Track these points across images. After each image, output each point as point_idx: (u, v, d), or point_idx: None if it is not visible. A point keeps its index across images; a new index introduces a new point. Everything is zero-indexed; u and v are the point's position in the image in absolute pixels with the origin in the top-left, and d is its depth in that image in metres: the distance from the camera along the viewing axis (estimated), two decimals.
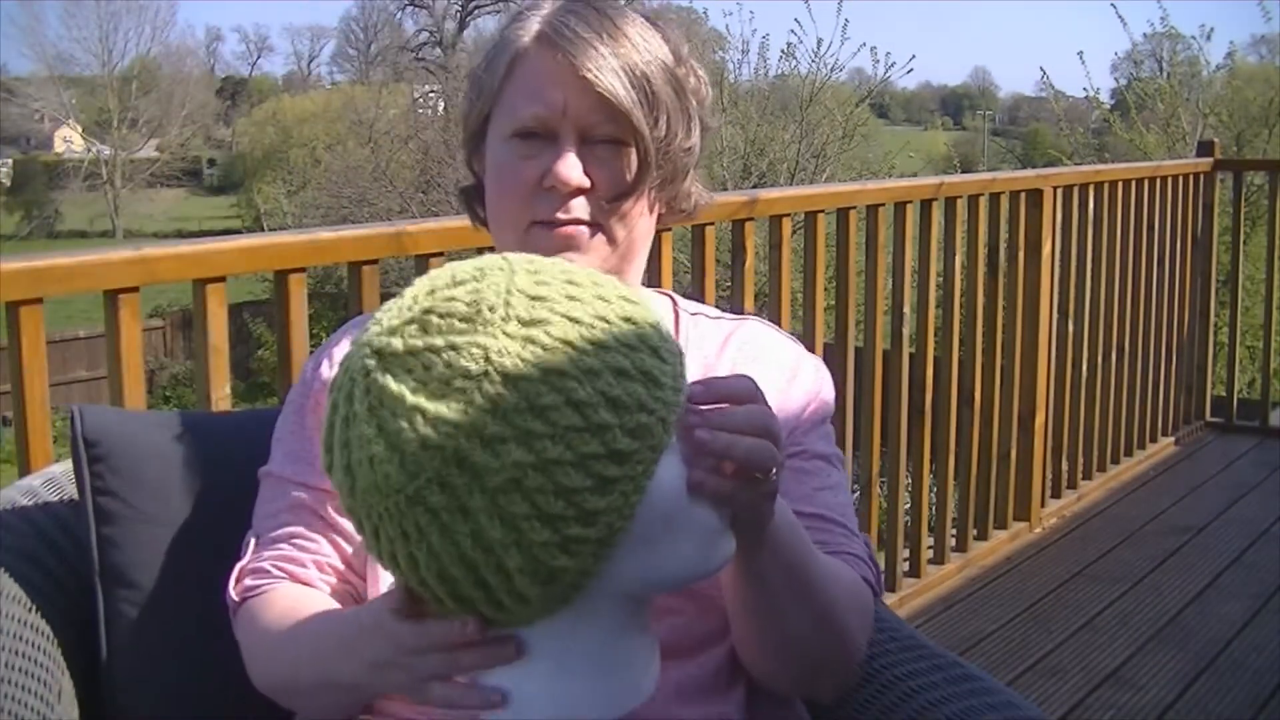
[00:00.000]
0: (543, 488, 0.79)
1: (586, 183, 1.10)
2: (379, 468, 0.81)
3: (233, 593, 1.14)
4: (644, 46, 1.11)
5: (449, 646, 0.88)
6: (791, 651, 1.07)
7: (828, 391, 1.25)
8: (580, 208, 1.10)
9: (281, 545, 1.14)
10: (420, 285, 0.87)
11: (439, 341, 0.82)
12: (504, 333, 0.81)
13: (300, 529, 1.15)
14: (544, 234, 1.11)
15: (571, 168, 1.09)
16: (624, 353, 0.84)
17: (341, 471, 0.84)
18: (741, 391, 0.90)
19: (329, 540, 1.15)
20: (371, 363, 0.83)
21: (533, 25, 1.12)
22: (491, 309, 0.83)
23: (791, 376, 1.21)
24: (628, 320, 0.86)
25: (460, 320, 0.82)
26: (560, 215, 1.10)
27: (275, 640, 1.08)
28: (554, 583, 0.82)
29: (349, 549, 1.15)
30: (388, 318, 0.85)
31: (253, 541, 1.16)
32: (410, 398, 0.80)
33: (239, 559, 1.16)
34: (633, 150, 1.10)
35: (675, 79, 1.12)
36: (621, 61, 1.09)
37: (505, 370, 0.80)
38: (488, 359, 0.80)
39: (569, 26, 1.10)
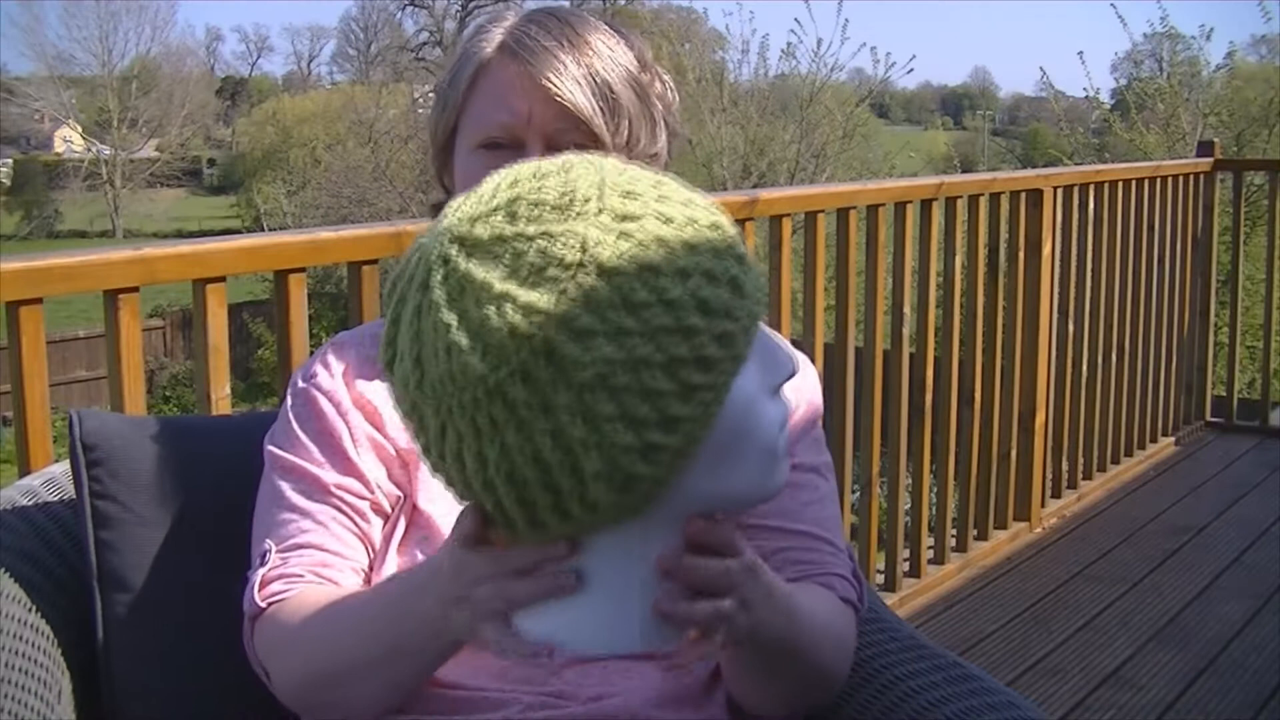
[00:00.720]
0: (630, 388, 0.77)
1: None
2: (457, 358, 0.77)
3: (258, 599, 1.08)
4: (607, 54, 1.11)
5: (514, 573, 0.85)
6: (775, 701, 1.08)
7: (816, 394, 1.24)
8: None
9: (308, 551, 1.10)
10: (498, 178, 0.84)
11: (530, 229, 0.79)
12: (598, 225, 0.79)
13: (327, 536, 1.11)
14: None
15: None
16: (713, 257, 0.82)
17: (409, 364, 0.80)
18: (730, 547, 0.88)
19: (361, 546, 1.12)
20: (453, 250, 0.79)
21: (495, 36, 1.12)
22: (585, 200, 0.80)
23: None
24: (715, 226, 0.84)
25: (551, 209, 0.79)
26: None
27: (317, 629, 1.04)
28: (628, 491, 0.79)
29: (373, 551, 1.13)
30: (466, 207, 0.82)
31: (271, 548, 1.11)
32: (499, 285, 0.77)
33: (253, 568, 1.11)
34: None
35: (639, 85, 1.13)
36: (583, 70, 1.09)
37: (601, 262, 0.77)
38: (584, 249, 0.78)
39: (530, 36, 1.10)
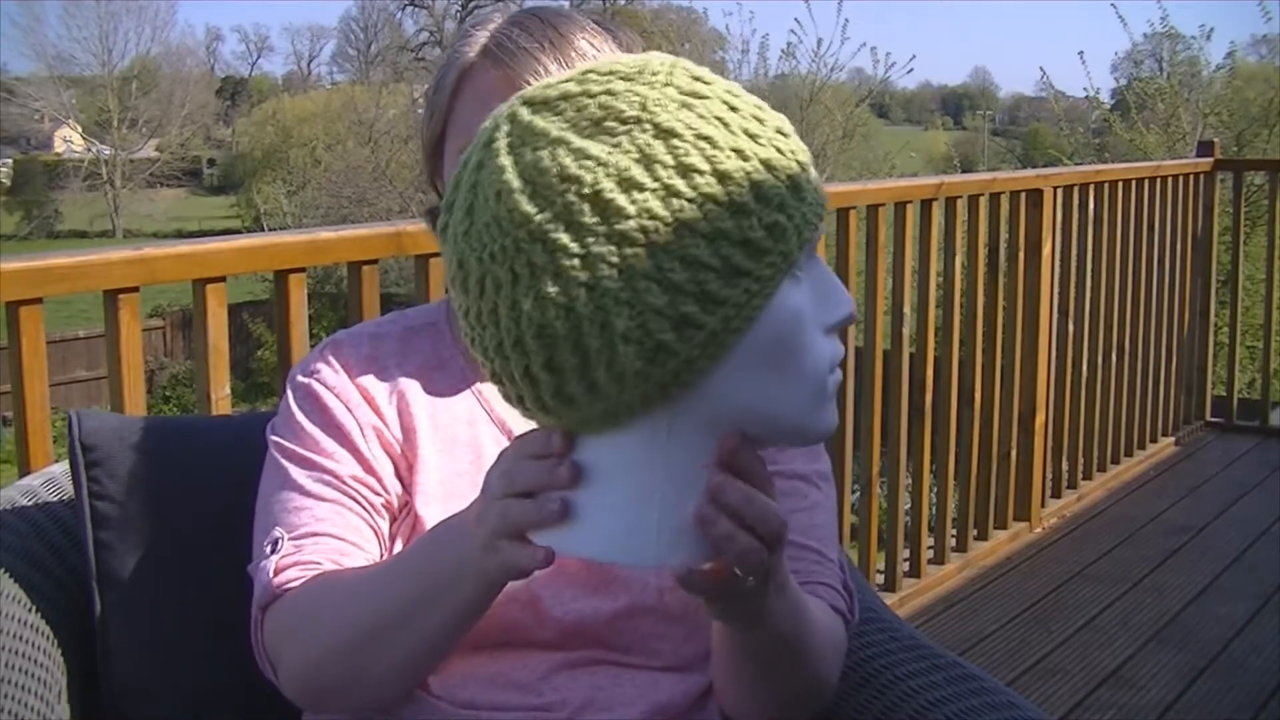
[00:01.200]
0: (669, 249, 0.77)
1: None
2: (505, 200, 0.79)
3: (273, 586, 1.05)
4: (590, 54, 1.11)
5: (518, 494, 0.85)
6: (769, 708, 1.06)
7: None
8: None
9: (324, 539, 1.08)
10: (577, 65, 0.89)
11: (594, 88, 0.81)
12: (663, 92, 0.81)
13: (343, 525, 1.09)
14: None
15: None
16: (774, 153, 0.82)
17: (460, 215, 0.82)
18: (767, 484, 0.86)
19: (376, 539, 1.10)
20: (520, 107, 0.83)
21: (478, 41, 1.12)
22: (654, 72, 0.82)
23: None
24: (781, 132, 0.84)
25: (621, 77, 0.82)
26: None
27: (338, 599, 1.02)
28: (656, 362, 0.78)
29: (385, 548, 1.12)
30: (542, 82, 0.85)
31: (284, 536, 1.08)
32: (556, 131, 0.80)
33: (262, 557, 1.09)
34: None
35: None
36: (562, 70, 1.09)
37: (658, 122, 0.79)
38: (644, 107, 0.79)
39: (511, 39, 1.10)
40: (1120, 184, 4.24)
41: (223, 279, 1.89)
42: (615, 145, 0.78)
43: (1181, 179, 4.70)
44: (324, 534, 1.08)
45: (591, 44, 1.12)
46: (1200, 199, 4.86)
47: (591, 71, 0.83)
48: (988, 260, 3.58)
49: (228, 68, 60.36)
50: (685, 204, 0.77)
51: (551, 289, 0.77)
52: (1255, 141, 10.35)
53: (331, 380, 1.14)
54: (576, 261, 0.77)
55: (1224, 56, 11.58)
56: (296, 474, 1.11)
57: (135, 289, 1.77)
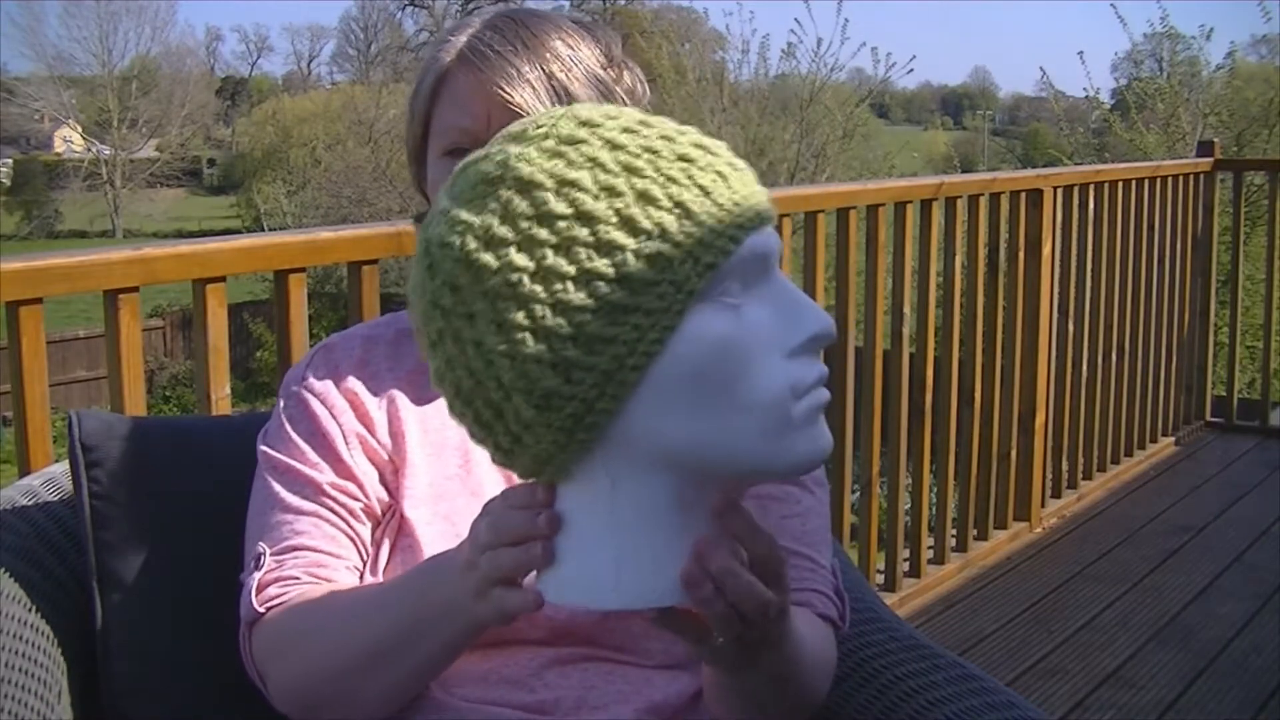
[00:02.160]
0: (538, 297, 0.79)
1: None
2: (415, 275, 0.85)
3: (255, 604, 1.07)
4: (566, 55, 1.11)
5: (505, 542, 0.87)
6: (751, 714, 1.06)
7: None
8: None
9: (303, 553, 1.09)
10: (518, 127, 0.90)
11: (479, 152, 0.86)
12: (537, 147, 0.83)
13: (321, 537, 1.10)
14: None
15: None
16: (660, 182, 0.81)
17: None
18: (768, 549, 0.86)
19: (355, 545, 1.11)
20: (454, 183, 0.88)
21: (454, 45, 1.12)
22: (538, 127, 0.85)
23: None
24: (684, 159, 0.83)
25: (507, 138, 0.86)
26: None
27: (323, 625, 1.03)
28: (549, 409, 0.80)
29: (367, 554, 1.12)
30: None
31: (265, 551, 1.09)
32: (443, 201, 0.85)
33: (247, 571, 1.10)
34: None
35: (601, 83, 1.12)
36: (538, 73, 1.09)
37: (519, 176, 0.82)
38: (505, 165, 0.83)
39: (484, 43, 1.10)
40: (1120, 184, 4.24)
41: (223, 279, 1.89)
42: (482, 207, 0.82)
43: (1181, 179, 4.70)
44: (303, 547, 1.10)
45: (567, 44, 1.11)
46: (1200, 199, 4.85)
47: (523, 134, 0.86)
48: (988, 260, 3.58)
49: (228, 68, 60.38)
50: (549, 252, 0.79)
51: (451, 350, 0.83)
52: (1255, 141, 10.35)
53: (319, 387, 1.15)
54: (464, 322, 0.81)
55: (1224, 56, 11.58)
56: (278, 486, 1.13)
57: (135, 289, 1.77)
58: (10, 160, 40.54)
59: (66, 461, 1.28)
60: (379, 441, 1.14)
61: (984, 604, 3.33)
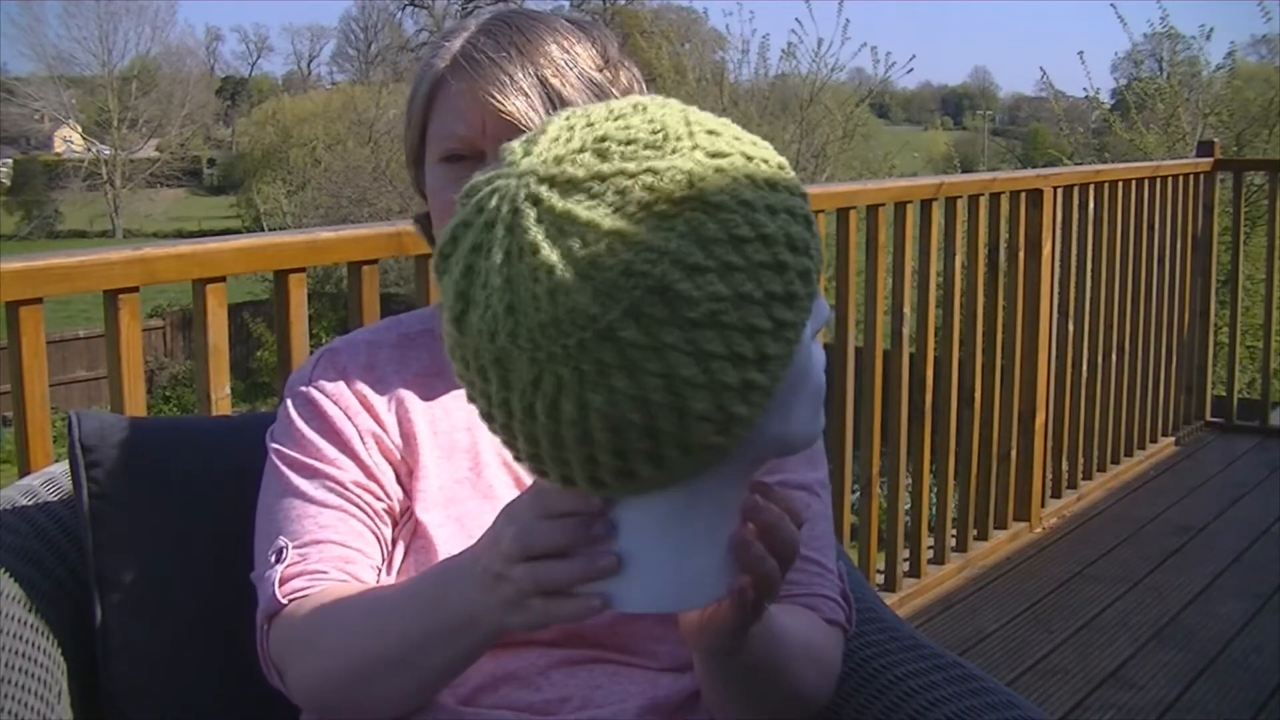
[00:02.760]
0: (736, 325, 0.75)
1: None
2: (564, 300, 0.74)
3: (279, 595, 1.05)
4: (560, 59, 1.10)
5: (550, 553, 0.84)
6: (748, 713, 1.06)
7: None
8: None
9: (329, 547, 1.08)
10: (561, 121, 0.81)
11: (630, 166, 0.76)
12: (695, 161, 0.77)
13: (347, 532, 1.09)
14: None
15: None
16: (790, 194, 0.81)
17: (498, 312, 0.76)
18: (797, 515, 0.88)
19: (378, 545, 1.11)
20: (544, 190, 0.76)
21: (449, 51, 1.12)
22: (678, 136, 0.79)
23: None
24: (782, 166, 0.83)
25: (646, 147, 0.77)
26: None
27: (344, 624, 1.02)
28: (728, 433, 0.77)
29: (386, 554, 1.12)
30: (544, 150, 0.78)
31: (288, 545, 1.08)
32: (607, 222, 0.74)
33: (266, 566, 1.08)
34: None
35: (597, 86, 1.11)
36: (531, 80, 1.08)
37: (707, 198, 0.76)
38: (691, 184, 0.76)
39: (479, 49, 1.10)
40: (1120, 184, 4.24)
41: (223, 279, 1.89)
42: (670, 230, 0.75)
43: (1181, 179, 4.70)
44: (328, 541, 1.08)
45: (562, 46, 1.11)
46: (1200, 199, 4.86)
47: (607, 139, 0.78)
48: (988, 260, 3.58)
49: (228, 68, 60.43)
50: (743, 277, 0.76)
51: (623, 383, 0.75)
52: (1255, 141, 10.35)
53: (330, 388, 1.14)
54: (649, 354, 0.74)
55: (1224, 56, 11.58)
56: (298, 481, 1.11)
57: (135, 289, 1.77)
58: (10, 160, 40.55)
59: (66, 461, 1.28)
60: (393, 442, 1.13)
61: (984, 604, 3.33)
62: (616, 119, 0.79)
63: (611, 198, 0.75)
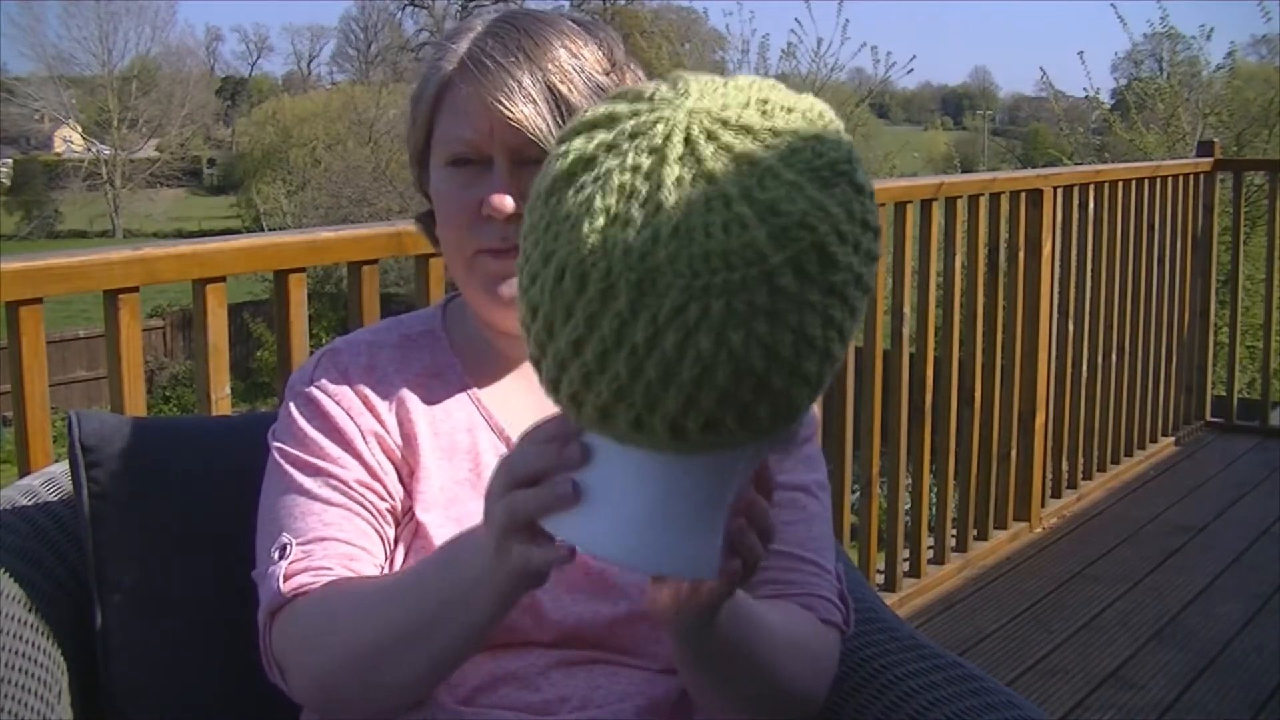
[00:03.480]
0: (850, 301, 0.77)
1: (518, 209, 1.08)
2: (738, 234, 0.74)
3: (282, 590, 1.04)
4: (569, 64, 1.10)
5: (521, 483, 0.84)
6: (735, 709, 1.06)
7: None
8: (519, 234, 1.09)
9: (333, 544, 1.08)
10: (710, 81, 0.81)
11: (799, 126, 0.79)
12: (847, 139, 0.80)
13: (351, 530, 1.09)
14: (489, 261, 1.10)
15: (502, 199, 1.08)
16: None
17: (665, 234, 0.74)
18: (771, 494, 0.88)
19: (382, 545, 1.11)
20: (720, 129, 0.77)
21: (456, 53, 1.11)
22: (822, 114, 0.81)
23: None
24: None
25: (804, 118, 0.80)
26: (499, 244, 1.09)
27: (351, 611, 1.02)
28: (811, 400, 0.78)
29: (388, 553, 1.12)
30: (705, 97, 0.79)
31: (291, 542, 1.07)
32: (788, 173, 0.76)
33: (269, 563, 1.08)
34: None
35: (604, 91, 1.11)
36: (538, 85, 1.08)
37: (855, 177, 0.78)
38: (849, 160, 0.79)
39: (485, 52, 1.09)
40: (1120, 184, 4.24)
41: (223, 279, 1.89)
42: (832, 197, 0.76)
43: (1181, 179, 4.71)
44: (333, 538, 1.08)
45: (569, 50, 1.10)
46: (1200, 199, 4.86)
47: (770, 102, 0.79)
48: (988, 260, 3.58)
49: (228, 68, 60.43)
50: (861, 260, 0.78)
51: (763, 329, 0.74)
52: (1255, 141, 10.35)
53: (332, 388, 1.14)
54: (794, 307, 0.75)
55: (1224, 56, 11.58)
56: (301, 479, 1.10)
57: (135, 289, 1.77)
58: (10, 160, 40.56)
59: (66, 461, 1.28)
60: (394, 442, 1.13)
61: (984, 604, 3.33)
62: (771, 88, 0.81)
63: (785, 151, 0.77)
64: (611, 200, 0.76)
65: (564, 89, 1.09)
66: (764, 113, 0.78)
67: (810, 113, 0.81)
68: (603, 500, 0.81)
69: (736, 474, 0.82)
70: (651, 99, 0.80)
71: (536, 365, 0.81)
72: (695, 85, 0.80)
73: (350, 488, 1.10)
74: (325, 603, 1.03)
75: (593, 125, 0.80)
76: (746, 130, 0.77)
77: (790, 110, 0.79)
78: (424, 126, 1.14)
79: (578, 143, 0.79)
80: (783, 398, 0.76)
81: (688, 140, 0.76)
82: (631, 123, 0.78)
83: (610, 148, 0.78)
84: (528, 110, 1.07)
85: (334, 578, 1.05)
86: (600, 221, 0.75)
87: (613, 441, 0.80)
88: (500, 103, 1.07)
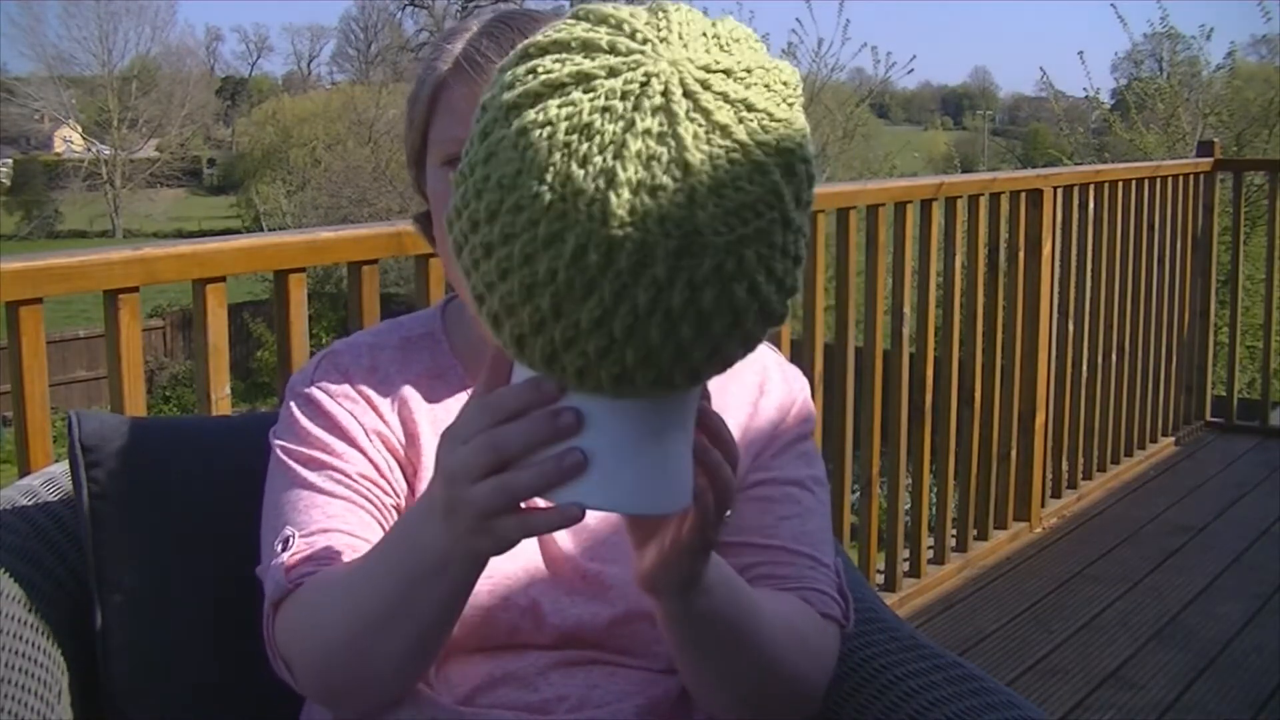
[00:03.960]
0: (787, 251, 0.77)
1: None
2: (763, 179, 0.74)
3: (285, 581, 1.04)
4: None
5: (512, 463, 0.80)
6: (734, 698, 1.05)
7: (802, 404, 1.20)
8: None
9: (335, 535, 1.07)
10: (672, 19, 0.79)
11: (752, 54, 0.78)
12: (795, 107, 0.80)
13: (354, 522, 1.08)
14: None
15: None
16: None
17: (703, 196, 0.73)
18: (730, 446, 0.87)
19: (382, 534, 1.09)
20: (713, 78, 0.76)
21: (451, 54, 1.12)
22: (751, 33, 0.81)
23: (759, 392, 1.18)
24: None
25: (747, 44, 0.80)
26: None
27: (334, 597, 1.01)
28: (749, 348, 0.78)
29: None
30: (680, 46, 0.77)
31: (294, 534, 1.07)
32: (777, 110, 0.77)
33: (272, 556, 1.07)
34: None
35: None
36: None
37: (803, 154, 0.78)
38: (799, 130, 0.78)
39: (480, 52, 1.09)
40: (1120, 184, 4.24)
41: (223, 279, 1.89)
42: (799, 120, 0.78)
43: (1181, 179, 4.71)
44: (335, 530, 1.07)
45: None
46: (1200, 199, 4.86)
47: (719, 36, 0.79)
48: (988, 260, 3.58)
49: (228, 68, 60.48)
50: (804, 214, 0.79)
51: (780, 265, 0.76)
52: (1255, 141, 10.36)
53: (334, 387, 1.14)
54: (795, 238, 0.77)
55: (1224, 56, 11.60)
56: (305, 474, 1.10)
57: (135, 289, 1.77)
58: (10, 160, 40.57)
59: (66, 461, 1.28)
60: (397, 440, 1.13)
61: (984, 604, 3.33)
62: (710, 24, 0.80)
63: (761, 87, 0.77)
64: (633, 169, 0.73)
65: None
66: (723, 48, 0.78)
67: (742, 33, 0.80)
68: (593, 458, 0.79)
69: (694, 398, 0.82)
70: (619, 48, 0.77)
71: (519, 342, 0.77)
72: (654, 25, 0.78)
73: (354, 480, 1.10)
74: (317, 591, 1.03)
75: (559, 85, 0.76)
76: (728, 73, 0.76)
77: (736, 40, 0.79)
78: (420, 127, 1.14)
79: (569, 112, 0.75)
80: (750, 339, 0.78)
81: (688, 94, 0.75)
82: (615, 84, 0.75)
83: (609, 112, 0.74)
84: None
85: (337, 562, 1.05)
86: (625, 194, 0.72)
87: (593, 398, 0.78)
88: None
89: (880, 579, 3.29)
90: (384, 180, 20.54)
